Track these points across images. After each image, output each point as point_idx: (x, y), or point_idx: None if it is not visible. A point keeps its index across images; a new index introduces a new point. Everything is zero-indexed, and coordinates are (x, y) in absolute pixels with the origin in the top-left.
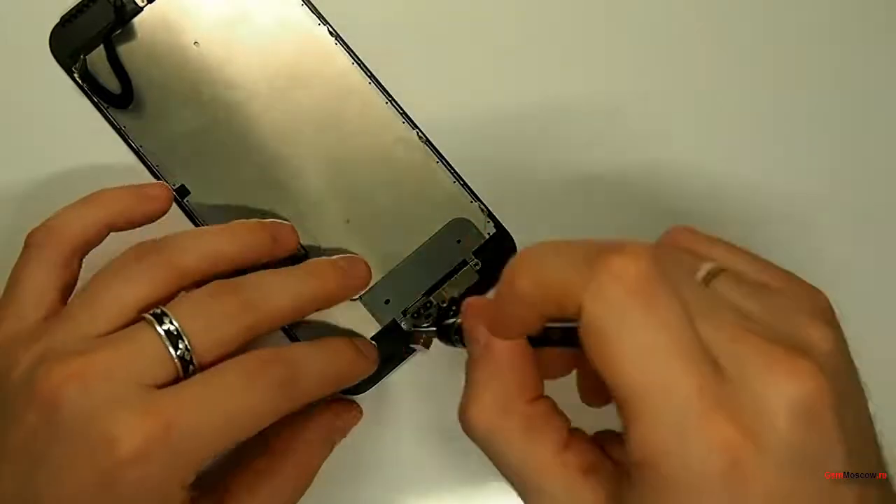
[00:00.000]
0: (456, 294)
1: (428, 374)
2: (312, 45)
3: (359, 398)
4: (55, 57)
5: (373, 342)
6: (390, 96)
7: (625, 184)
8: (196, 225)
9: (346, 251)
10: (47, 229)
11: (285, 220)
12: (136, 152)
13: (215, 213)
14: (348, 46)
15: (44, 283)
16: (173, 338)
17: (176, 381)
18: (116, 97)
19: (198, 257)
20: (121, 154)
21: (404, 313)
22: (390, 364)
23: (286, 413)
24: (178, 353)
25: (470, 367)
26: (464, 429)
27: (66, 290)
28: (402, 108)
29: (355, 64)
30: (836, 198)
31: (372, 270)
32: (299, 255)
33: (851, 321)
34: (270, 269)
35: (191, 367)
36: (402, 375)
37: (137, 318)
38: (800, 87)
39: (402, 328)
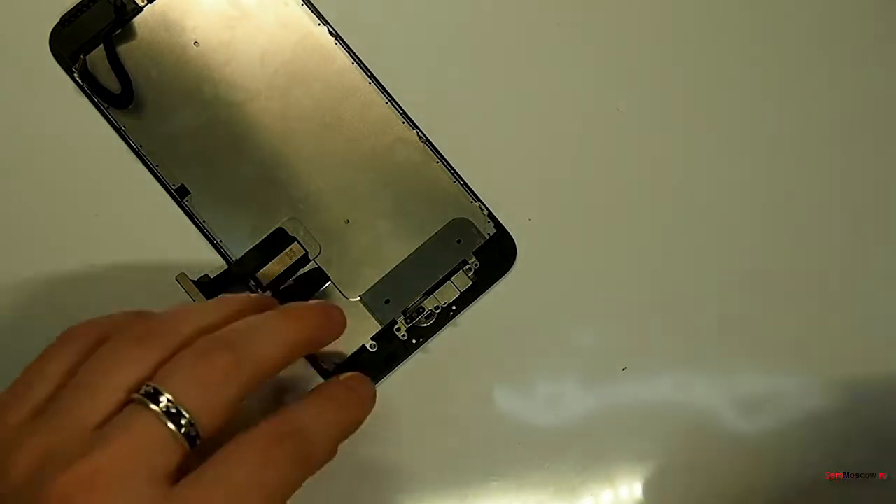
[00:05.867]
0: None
1: (428, 374)
2: (312, 45)
3: None
4: (55, 57)
5: (368, 378)
6: (390, 96)
7: (626, 184)
8: (196, 225)
9: (346, 251)
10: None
11: (284, 219)
12: (136, 152)
13: (215, 212)
14: (348, 46)
15: None
16: (173, 416)
17: (185, 457)
18: (116, 97)
19: (196, 330)
20: (121, 154)
21: (404, 313)
22: (390, 364)
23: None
24: (182, 430)
25: None
26: None
27: None
28: (402, 108)
29: (355, 64)
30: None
31: (372, 271)
32: (302, 259)
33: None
34: (255, 316)
35: (197, 441)
36: (402, 375)
37: (128, 399)
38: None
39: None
